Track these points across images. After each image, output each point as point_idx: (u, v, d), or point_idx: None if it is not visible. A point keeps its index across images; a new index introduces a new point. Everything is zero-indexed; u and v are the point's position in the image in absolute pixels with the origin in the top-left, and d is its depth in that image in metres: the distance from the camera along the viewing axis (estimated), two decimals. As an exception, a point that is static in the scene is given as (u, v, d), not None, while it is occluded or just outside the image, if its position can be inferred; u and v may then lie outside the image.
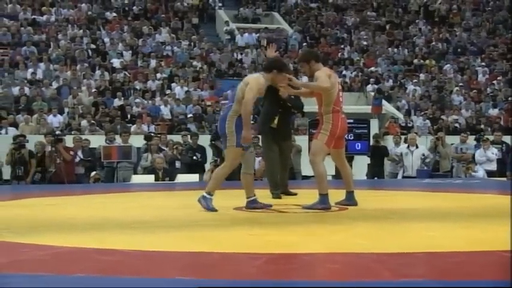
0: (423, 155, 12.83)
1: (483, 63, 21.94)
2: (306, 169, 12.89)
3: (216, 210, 5.65)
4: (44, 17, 20.74)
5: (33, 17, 20.60)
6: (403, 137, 14.01)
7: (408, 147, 12.92)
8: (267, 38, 21.93)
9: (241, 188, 6.06)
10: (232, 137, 5.73)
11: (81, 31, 20.12)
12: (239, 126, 5.71)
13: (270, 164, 7.24)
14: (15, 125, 14.18)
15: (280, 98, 7.01)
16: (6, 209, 6.27)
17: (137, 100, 16.34)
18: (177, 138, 13.17)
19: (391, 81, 20.32)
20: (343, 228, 4.85)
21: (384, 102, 18.33)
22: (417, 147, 12.91)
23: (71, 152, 11.75)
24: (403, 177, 12.75)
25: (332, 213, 5.76)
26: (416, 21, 24.69)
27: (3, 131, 13.82)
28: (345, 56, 21.68)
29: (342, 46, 22.34)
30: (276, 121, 7.06)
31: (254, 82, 5.81)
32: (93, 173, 11.62)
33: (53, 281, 3.04)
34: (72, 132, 13.63)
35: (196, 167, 12.13)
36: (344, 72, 20.35)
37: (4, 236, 4.32)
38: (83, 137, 12.93)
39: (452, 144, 13.55)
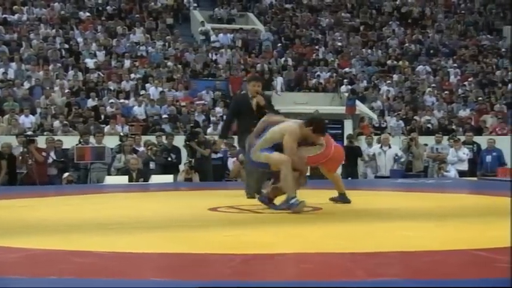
0: (396, 155, 12.95)
1: (455, 65, 22.21)
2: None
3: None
4: (16, 16, 20.50)
5: (4, 16, 20.34)
6: (375, 137, 14.12)
7: (381, 147, 13.04)
8: (242, 38, 21.96)
9: (217, 189, 6.05)
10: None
11: (54, 31, 19.92)
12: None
13: (250, 175, 7.23)
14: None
15: (256, 113, 7.02)
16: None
17: (111, 101, 16.22)
18: (151, 138, 13.11)
19: (365, 82, 20.46)
20: (319, 229, 4.87)
21: (358, 102, 18.44)
22: (390, 147, 13.03)
23: (43, 153, 11.62)
24: (376, 177, 12.86)
25: (308, 214, 5.77)
26: (390, 22, 24.90)
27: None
28: (320, 56, 21.77)
29: (317, 47, 22.43)
30: None
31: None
32: (65, 174, 11.51)
33: (27, 283, 3.01)
34: (45, 133, 13.48)
35: (171, 167, 12.10)
36: (318, 73, 20.43)
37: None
38: (56, 137, 12.80)
39: (425, 144, 13.69)
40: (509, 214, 5.00)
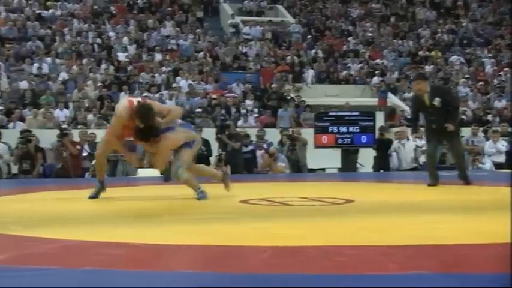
0: (417, 146, 12.75)
1: (490, 54, 21.84)
2: (312, 162, 12.92)
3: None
4: (50, 12, 20.75)
5: (38, 11, 20.61)
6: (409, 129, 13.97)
7: (399, 141, 12.88)
8: (272, 30, 21.91)
9: (248, 181, 6.07)
10: None
11: (87, 25, 20.13)
12: None
13: None
14: (22, 119, 14.22)
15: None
16: (13, 203, 6.30)
17: (144, 94, 16.34)
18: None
19: (396, 73, 20.27)
20: (349, 221, 4.85)
21: (390, 94, 18.30)
22: (408, 139, 12.87)
23: (77, 146, 11.76)
24: (398, 170, 12.70)
25: (338, 206, 5.76)
26: (422, 12, 24.58)
27: (11, 126, 13.87)
28: (350, 48, 21.63)
29: (347, 38, 22.28)
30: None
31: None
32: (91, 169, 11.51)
33: (61, 274, 3.06)
34: (78, 126, 13.65)
35: (201, 160, 12.13)
36: (349, 64, 20.31)
37: (12, 230, 4.34)
38: (89, 131, 12.95)
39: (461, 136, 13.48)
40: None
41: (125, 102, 6.22)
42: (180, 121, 6.51)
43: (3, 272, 3.08)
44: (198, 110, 15.52)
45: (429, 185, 7.61)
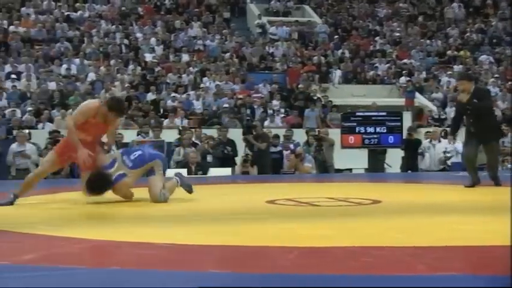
0: (446, 149, 12.66)
1: (519, 54, 21.53)
2: (339, 162, 12.87)
3: None
4: (78, 13, 20.97)
5: (67, 13, 20.85)
6: (439, 129, 13.86)
7: (430, 141, 12.77)
8: (298, 31, 21.88)
9: (275, 182, 6.06)
10: None
11: (114, 26, 20.30)
12: None
13: None
14: (51, 120, 14.38)
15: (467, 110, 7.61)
16: (42, 203, 6.36)
17: (172, 95, 16.44)
18: (208, 132, 13.23)
19: (424, 73, 20.09)
20: (376, 222, 4.81)
21: (417, 94, 18.14)
22: (440, 141, 12.76)
23: (106, 147, 11.83)
24: (425, 171, 12.60)
25: (365, 206, 5.72)
26: (451, 11, 24.33)
27: (40, 126, 14.04)
28: (377, 48, 21.49)
29: (374, 38, 22.15)
30: None
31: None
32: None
33: (89, 273, 3.09)
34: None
35: (227, 160, 12.17)
36: (376, 64, 20.18)
37: (41, 230, 4.39)
38: (117, 131, 13.02)
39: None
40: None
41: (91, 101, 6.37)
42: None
43: (32, 271, 3.12)
44: (225, 110, 15.55)
45: (467, 186, 7.48)
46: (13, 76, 16.37)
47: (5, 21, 19.48)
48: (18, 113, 14.56)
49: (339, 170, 12.95)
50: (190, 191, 6.39)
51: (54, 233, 4.27)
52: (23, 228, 4.45)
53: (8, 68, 16.87)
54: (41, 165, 5.99)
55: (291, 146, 12.71)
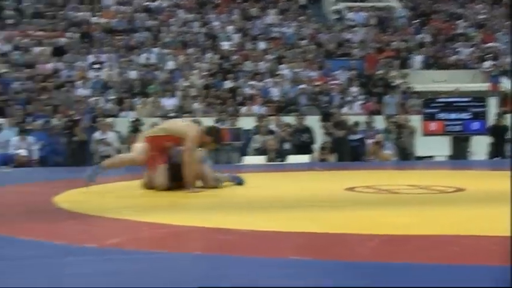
0: None
1: None
2: (420, 149, 12.61)
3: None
4: (156, 3, 21.35)
5: (146, 3, 21.26)
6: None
7: None
8: (377, 16, 21.50)
9: (354, 169, 6.00)
10: None
11: (192, 15, 20.56)
12: None
13: None
14: (133, 108, 14.74)
15: None
16: (126, 189, 6.53)
17: (250, 82, 16.52)
18: (286, 119, 13.21)
19: (510, 56, 19.33)
20: (459, 210, 4.69)
21: (503, 79, 17.52)
22: None
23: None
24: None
25: (448, 194, 5.58)
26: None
27: (123, 114, 14.41)
28: (460, 31, 20.85)
29: (456, 21, 21.49)
30: None
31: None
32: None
33: (172, 258, 3.15)
34: (185, 115, 13.97)
35: (305, 147, 12.12)
36: (458, 48, 19.60)
37: (125, 215, 4.51)
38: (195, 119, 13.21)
39: None
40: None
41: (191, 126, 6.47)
42: None
43: (117, 254, 3.21)
44: (302, 97, 15.50)
45: None
46: (96, 66, 16.85)
47: (88, 13, 20.07)
48: (102, 101, 14.99)
49: (419, 158, 12.70)
50: (241, 183, 6.51)
51: (137, 218, 4.38)
52: (109, 213, 4.58)
53: (91, 58, 17.38)
54: (137, 153, 6.16)
55: (371, 133, 12.54)
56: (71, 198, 5.57)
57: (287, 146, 12.01)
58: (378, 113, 14.87)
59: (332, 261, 3.06)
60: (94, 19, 19.74)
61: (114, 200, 5.65)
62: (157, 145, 6.13)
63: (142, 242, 3.61)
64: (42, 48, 17.58)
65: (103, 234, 3.84)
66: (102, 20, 19.75)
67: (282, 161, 11.14)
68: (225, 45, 18.96)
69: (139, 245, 3.52)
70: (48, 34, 18.46)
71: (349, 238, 3.63)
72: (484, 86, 17.23)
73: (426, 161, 12.57)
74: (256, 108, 14.88)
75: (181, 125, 6.51)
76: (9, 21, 19.09)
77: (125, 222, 4.26)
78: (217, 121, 12.92)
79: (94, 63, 17.08)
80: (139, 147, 6.18)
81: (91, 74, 16.60)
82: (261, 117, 12.88)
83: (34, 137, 11.77)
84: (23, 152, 11.11)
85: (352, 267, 2.91)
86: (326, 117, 12.38)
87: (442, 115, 12.29)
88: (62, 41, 18.14)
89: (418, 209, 4.79)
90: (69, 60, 17.03)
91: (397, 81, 17.14)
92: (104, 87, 15.97)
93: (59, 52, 17.47)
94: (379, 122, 13.28)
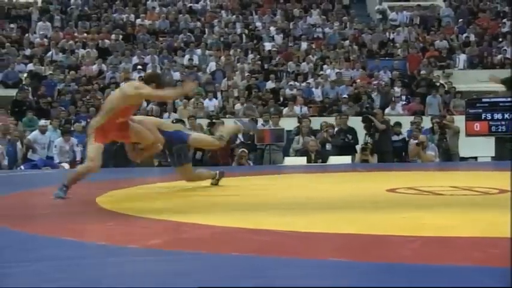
0: None
1: None
2: (463, 150, 12.41)
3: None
4: (199, 5, 21.52)
5: (190, 5, 21.45)
6: None
7: None
8: (420, 15, 21.21)
9: (396, 170, 5.94)
10: None
11: (234, 16, 20.64)
12: None
13: None
14: (175, 109, 14.86)
15: None
16: (167, 191, 6.60)
17: (291, 83, 16.50)
18: (329, 120, 13.15)
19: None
20: (503, 212, 4.59)
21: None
22: None
23: (231, 135, 12.04)
24: None
25: (491, 196, 5.48)
26: None
27: (165, 116, 14.53)
28: (506, 30, 20.42)
29: (502, 20, 21.06)
30: None
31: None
32: (239, 151, 11.55)
33: (212, 259, 3.16)
34: (227, 116, 14.03)
35: (348, 148, 12.04)
36: (505, 47, 19.21)
37: (167, 216, 4.55)
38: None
39: None
40: None
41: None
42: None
43: (158, 255, 3.25)
44: (344, 97, 15.41)
45: None
46: (139, 67, 17.05)
47: (132, 15, 20.34)
48: (144, 103, 15.15)
49: (463, 158, 12.49)
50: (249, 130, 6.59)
51: (178, 218, 4.42)
52: (150, 214, 4.63)
53: (135, 59, 17.60)
54: (91, 160, 5.72)
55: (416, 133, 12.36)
56: (113, 199, 5.66)
57: (328, 147, 11.95)
58: (421, 113, 14.70)
59: (372, 262, 3.04)
60: (138, 21, 20.01)
61: (155, 200, 5.71)
62: (112, 128, 5.96)
63: (183, 243, 3.64)
64: (87, 50, 17.90)
65: (144, 235, 3.88)
66: (146, 22, 20.00)
67: (323, 162, 11.09)
68: (268, 46, 18.98)
69: (180, 245, 3.55)
70: (93, 36, 18.78)
71: (391, 239, 3.60)
72: (532, 86, 16.83)
73: (469, 162, 12.36)
74: (298, 109, 14.86)
75: (114, 95, 6.31)
76: (56, 24, 19.49)
77: (166, 223, 4.31)
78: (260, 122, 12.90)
79: (138, 64, 17.29)
80: (90, 152, 5.83)
81: (135, 75, 16.81)
82: (302, 118, 12.86)
83: (77, 138, 11.94)
84: (66, 166, 11.22)
85: (393, 269, 2.89)
86: (367, 118, 12.26)
87: (487, 115, 12.07)
88: (107, 42, 18.44)
89: (461, 211, 4.72)
90: (113, 62, 17.30)
91: (441, 81, 16.91)
92: (147, 88, 16.12)
93: (103, 54, 17.76)
94: (424, 123, 13.15)
